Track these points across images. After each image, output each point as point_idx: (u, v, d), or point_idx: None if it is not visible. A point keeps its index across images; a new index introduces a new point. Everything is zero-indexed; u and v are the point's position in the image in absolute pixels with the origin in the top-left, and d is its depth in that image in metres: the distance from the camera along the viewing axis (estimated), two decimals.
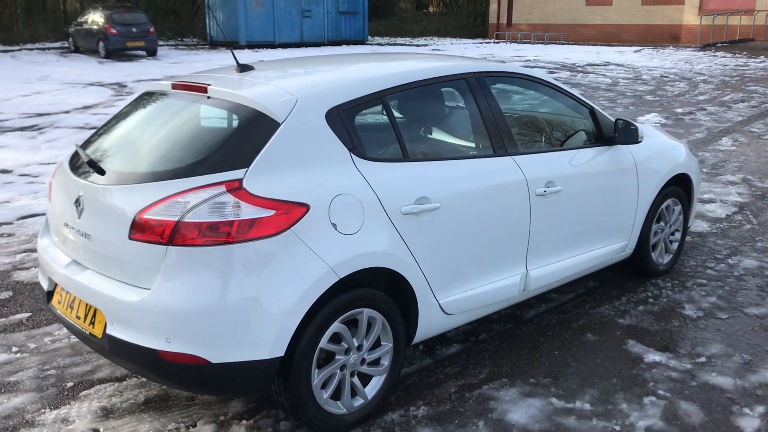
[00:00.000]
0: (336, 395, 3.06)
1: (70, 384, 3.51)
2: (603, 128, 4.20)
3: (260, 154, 2.82)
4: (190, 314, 2.66)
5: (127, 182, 2.89)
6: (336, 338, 2.98)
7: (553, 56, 23.09)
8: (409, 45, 31.58)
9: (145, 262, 2.73)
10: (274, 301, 2.71)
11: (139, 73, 18.55)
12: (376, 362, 3.18)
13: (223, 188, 2.72)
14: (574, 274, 4.11)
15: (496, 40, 35.14)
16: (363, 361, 3.11)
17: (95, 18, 24.19)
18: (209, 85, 3.16)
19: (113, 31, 23.21)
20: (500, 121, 3.68)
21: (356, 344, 3.05)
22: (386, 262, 3.03)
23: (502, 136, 3.65)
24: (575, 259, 4.06)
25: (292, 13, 29.79)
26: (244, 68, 3.45)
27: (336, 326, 2.93)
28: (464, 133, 3.88)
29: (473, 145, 3.73)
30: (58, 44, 27.64)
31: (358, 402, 3.12)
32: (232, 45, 28.81)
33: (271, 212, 2.72)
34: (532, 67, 20.00)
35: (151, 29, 24.10)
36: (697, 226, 5.91)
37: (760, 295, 4.49)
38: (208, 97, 3.14)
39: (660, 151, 4.58)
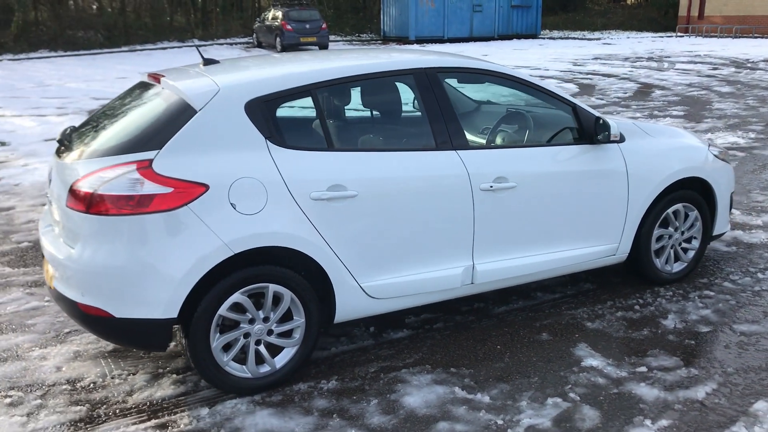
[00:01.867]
0: (244, 360, 3.36)
1: (67, 330, 4.13)
2: (585, 126, 4.10)
3: (173, 138, 3.19)
4: (97, 273, 3.11)
5: (77, 159, 3.40)
6: (240, 308, 3.28)
7: (730, 51, 21.33)
8: (568, 38, 30.52)
9: (75, 227, 3.22)
10: (168, 269, 3.08)
11: None
12: (287, 335, 3.44)
13: (135, 166, 3.13)
14: (541, 272, 4.07)
15: (679, 34, 32.93)
16: (270, 332, 3.38)
17: (275, 15, 26.03)
18: (163, 77, 3.59)
19: (288, 27, 24.89)
20: (448, 116, 3.75)
21: (262, 316, 3.34)
22: (289, 242, 3.28)
23: (448, 131, 3.73)
24: (541, 258, 4.02)
25: (462, 8, 30.02)
26: (208, 63, 3.84)
27: (237, 297, 3.24)
28: (403, 126, 4.00)
29: (412, 138, 3.84)
30: (245, 40, 30.03)
31: (265, 369, 3.40)
32: (402, 40, 29.70)
33: (170, 190, 3.09)
34: (696, 63, 18.69)
35: (323, 25, 25.51)
36: (753, 236, 5.45)
37: (764, 313, 4.14)
38: (163, 88, 3.56)
39: (663, 151, 4.35)
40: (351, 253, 3.47)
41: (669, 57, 20.63)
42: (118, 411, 3.28)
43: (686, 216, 4.56)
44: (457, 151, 3.73)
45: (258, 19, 28.47)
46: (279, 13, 25.64)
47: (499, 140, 4.42)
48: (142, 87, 3.79)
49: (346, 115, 4.09)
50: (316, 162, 3.40)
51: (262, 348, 3.40)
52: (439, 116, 3.73)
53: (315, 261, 3.38)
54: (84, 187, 3.14)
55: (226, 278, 3.21)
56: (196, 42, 29.60)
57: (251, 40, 29.00)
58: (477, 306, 4.34)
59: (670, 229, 4.51)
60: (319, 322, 3.50)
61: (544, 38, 31.19)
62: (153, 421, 3.19)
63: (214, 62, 3.88)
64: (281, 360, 3.46)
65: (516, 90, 4.19)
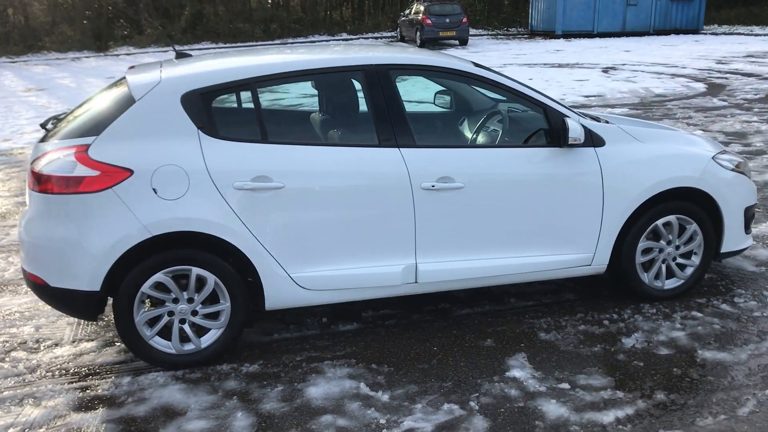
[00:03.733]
0: (170, 336, 3.59)
1: None
2: (554, 128, 3.92)
3: (110, 126, 3.47)
4: (37, 245, 3.46)
5: (42, 142, 3.77)
6: (165, 287, 3.50)
7: None
8: (732, 34, 28.06)
9: (30, 202, 3.59)
10: (91, 245, 3.36)
11: None
12: (214, 317, 3.62)
13: (74, 151, 3.43)
14: (497, 277, 3.95)
15: None
16: (195, 313, 3.58)
17: (417, 9, 26.31)
18: (131, 70, 3.88)
19: (428, 21, 25.06)
20: (395, 113, 3.74)
21: (186, 297, 3.54)
22: (208, 228, 3.45)
23: (393, 128, 3.72)
24: (497, 262, 3.91)
25: (615, 1, 28.66)
26: (180, 56, 4.10)
27: (160, 277, 3.47)
28: (348, 122, 4.01)
29: (354, 134, 3.86)
30: (391, 34, 30.59)
31: (189, 347, 3.61)
32: (549, 34, 28.92)
33: (97, 173, 3.36)
34: None
35: (464, 19, 25.44)
36: None
37: (745, 341, 3.75)
38: (123, 81, 3.86)
39: (649, 158, 4.04)
40: (278, 243, 3.58)
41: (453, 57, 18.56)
42: (57, 372, 3.62)
43: (683, 229, 4.20)
44: (401, 149, 3.71)
45: (402, 13, 28.89)
46: (421, 7, 25.86)
47: (481, 140, 4.32)
48: (120, 80, 4.10)
49: (290, 109, 4.18)
50: (244, 153, 3.53)
51: (186, 327, 3.59)
52: (385, 114, 3.73)
53: (237, 248, 3.51)
54: (36, 167, 3.49)
55: (149, 258, 3.43)
56: (345, 36, 30.57)
57: (396, 35, 29.48)
58: (442, 306, 4.29)
59: (662, 242, 4.18)
60: (246, 308, 3.64)
61: (705, 34, 29.03)
62: (79, 383, 3.49)
63: (186, 56, 4.11)
64: (207, 340, 3.64)
65: (484, 89, 4.06)
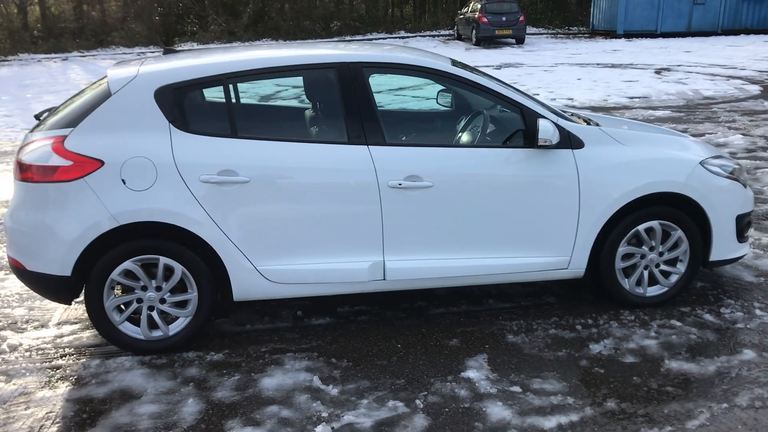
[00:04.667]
0: (140, 323, 3.71)
1: None
2: (530, 128, 3.88)
3: (86, 118, 3.61)
4: (15, 231, 3.64)
5: (32, 132, 3.95)
6: (134, 275, 3.64)
7: None
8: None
9: (14, 190, 3.77)
10: (62, 232, 3.52)
11: (483, 60, 19.78)
12: (182, 305, 3.73)
13: (52, 141, 3.60)
14: (468, 277, 3.93)
15: None
16: (164, 301, 3.69)
17: (474, 7, 26.13)
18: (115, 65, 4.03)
19: (484, 19, 24.85)
20: (366, 111, 3.77)
21: (154, 285, 3.66)
22: (174, 219, 3.56)
23: (363, 126, 3.75)
24: (468, 262, 3.90)
25: (681, 0, 27.77)
26: (167, 52, 4.23)
27: (128, 264, 3.60)
28: (319, 119, 4.04)
29: (324, 131, 3.90)
30: (449, 32, 30.45)
31: (157, 333, 3.73)
32: (610, 34, 28.28)
33: (70, 163, 3.51)
34: None
35: (521, 18, 25.12)
36: None
37: (716, 352, 3.63)
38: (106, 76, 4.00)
39: (629, 162, 3.94)
40: (245, 236, 3.66)
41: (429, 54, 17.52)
42: (35, 352, 3.80)
43: (667, 235, 4.09)
44: (370, 147, 3.73)
45: (460, 11, 28.73)
46: (478, 5, 25.66)
47: (463, 140, 4.31)
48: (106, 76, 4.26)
49: (267, 104, 4.24)
50: (212, 147, 3.62)
51: (155, 314, 3.71)
52: (356, 111, 3.76)
53: (203, 240, 3.61)
54: (20, 156, 3.67)
55: (118, 247, 3.56)
56: (403, 34, 30.60)
57: (453, 33, 29.34)
58: (418, 305, 4.30)
59: (644, 248, 4.08)
60: (213, 298, 3.73)
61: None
62: (52, 363, 3.67)
63: (173, 52, 4.24)
64: (175, 328, 3.75)
65: (460, 89, 4.04)
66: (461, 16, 27.63)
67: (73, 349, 3.83)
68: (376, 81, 4.16)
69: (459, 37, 28.01)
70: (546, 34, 30.01)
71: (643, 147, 4.06)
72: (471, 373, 3.48)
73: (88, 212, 3.50)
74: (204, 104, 3.89)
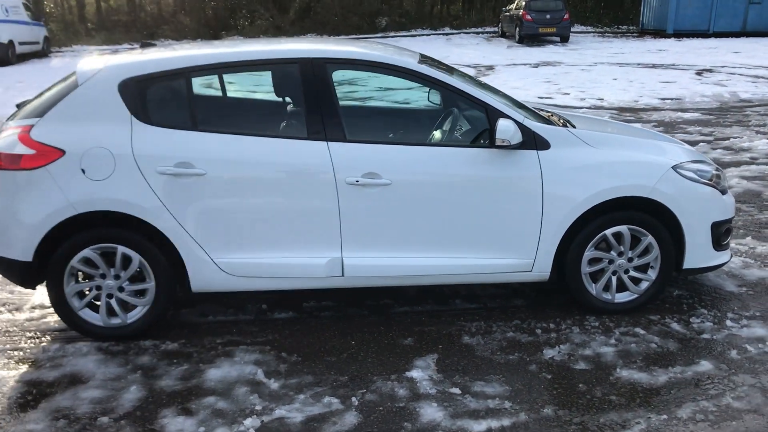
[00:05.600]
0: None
1: None
2: (493, 127, 3.82)
3: (52, 108, 3.71)
4: None
5: (9, 120, 4.08)
6: (93, 263, 3.72)
7: None
8: None
9: None
10: (24, 219, 3.63)
11: (522, 58, 19.56)
12: (141, 294, 3.80)
13: (19, 130, 3.71)
14: (428, 276, 3.89)
15: None
16: (122, 289, 3.77)
17: (519, 4, 25.82)
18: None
19: (528, 17, 24.53)
20: (327, 107, 3.77)
21: (113, 273, 3.74)
22: (130, 209, 3.63)
23: (323, 121, 3.75)
24: (426, 261, 3.86)
25: None
26: (144, 45, 4.31)
27: (87, 252, 3.69)
28: (280, 114, 4.05)
29: (285, 126, 3.92)
30: (493, 29, 30.15)
31: (115, 321, 3.81)
32: (659, 33, 27.60)
33: (33, 152, 3.62)
34: None
35: (566, 16, 24.72)
36: None
37: (671, 362, 3.53)
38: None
39: (596, 165, 3.85)
40: (201, 228, 3.71)
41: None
42: (4, 333, 3.93)
43: (638, 241, 3.98)
44: (329, 143, 3.73)
45: (505, 8, 28.42)
46: (522, 2, 25.35)
47: (435, 138, 4.29)
48: None
49: (225, 98, 4.27)
50: (171, 139, 3.68)
51: (113, 302, 3.79)
52: (316, 107, 3.77)
53: (159, 230, 3.67)
54: None
55: (77, 234, 3.66)
56: (447, 30, 30.44)
57: (497, 30, 29.05)
58: (383, 303, 4.29)
59: (612, 253, 3.99)
60: (170, 288, 3.80)
61: None
62: (15, 345, 3.79)
63: (151, 45, 4.32)
64: (133, 316, 3.83)
65: (425, 86, 4.00)
66: (505, 14, 27.34)
67: (39, 332, 3.94)
68: (380, 80, 4.18)
69: (503, 35, 27.74)
70: (593, 32, 29.45)
71: (612, 150, 3.96)
72: (415, 373, 3.45)
73: (48, 200, 3.59)
74: (167, 97, 3.94)
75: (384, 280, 3.92)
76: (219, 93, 4.31)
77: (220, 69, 3.90)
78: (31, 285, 3.82)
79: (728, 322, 3.93)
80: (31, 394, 3.32)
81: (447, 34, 29.24)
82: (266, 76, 4.15)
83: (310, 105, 3.77)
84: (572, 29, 27.25)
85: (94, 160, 3.60)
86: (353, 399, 3.25)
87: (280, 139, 3.76)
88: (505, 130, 3.66)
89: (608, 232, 3.93)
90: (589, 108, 11.46)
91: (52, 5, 32.68)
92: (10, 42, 20.01)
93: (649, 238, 3.96)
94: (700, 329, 3.88)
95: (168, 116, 3.79)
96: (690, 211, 3.94)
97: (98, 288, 3.77)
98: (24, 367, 3.56)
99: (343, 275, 3.84)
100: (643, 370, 3.47)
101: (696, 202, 3.96)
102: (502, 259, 3.91)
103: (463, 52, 22.04)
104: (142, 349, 3.75)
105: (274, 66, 3.98)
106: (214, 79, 4.20)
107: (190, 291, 3.85)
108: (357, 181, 3.70)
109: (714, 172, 4.10)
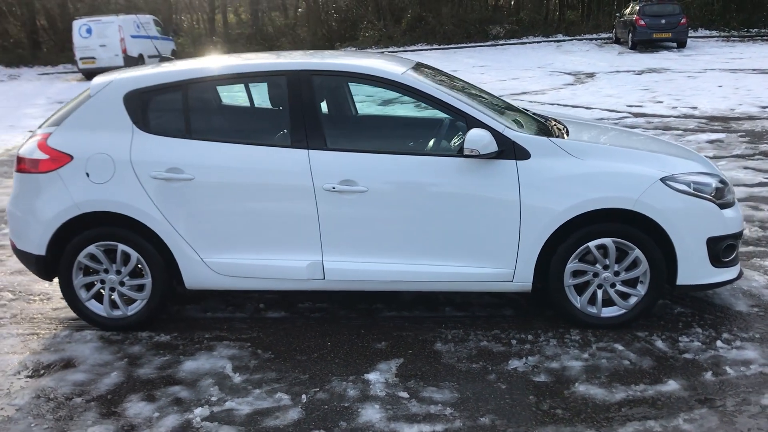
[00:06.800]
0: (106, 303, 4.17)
1: None
2: None
3: (68, 118, 4.13)
4: (10, 214, 4.23)
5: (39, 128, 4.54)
6: (98, 259, 4.10)
7: None
8: None
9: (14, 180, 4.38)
10: (38, 217, 4.05)
11: (629, 65, 18.93)
12: (139, 289, 4.14)
13: (40, 137, 4.15)
14: (409, 282, 3.96)
15: None
16: (123, 284, 4.12)
17: (633, 9, 24.91)
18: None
19: (641, 22, 23.62)
20: (310, 117, 3.95)
21: (115, 269, 4.10)
22: (126, 211, 3.96)
23: (306, 130, 3.94)
24: (406, 267, 3.94)
25: None
26: (163, 60, 4.66)
27: (92, 249, 4.06)
28: (268, 123, 4.24)
29: (271, 135, 4.12)
30: (608, 35, 29.21)
31: (117, 313, 4.16)
32: None
33: (47, 157, 4.04)
34: None
35: (683, 20, 23.59)
36: None
37: (637, 381, 3.42)
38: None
39: (576, 176, 3.77)
40: (191, 229, 3.98)
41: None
42: (31, 319, 4.38)
43: (624, 254, 3.87)
44: (310, 151, 3.91)
45: (619, 14, 27.47)
46: (637, 7, 24.43)
47: (422, 147, 4.36)
48: None
49: (219, 108, 4.51)
50: (165, 146, 3.98)
51: (115, 295, 4.14)
52: (300, 116, 3.95)
53: (153, 230, 3.98)
54: (19, 149, 4.26)
55: (83, 232, 4.04)
56: (559, 37, 29.81)
57: (611, 36, 28.13)
58: (375, 307, 4.39)
59: (597, 266, 3.90)
60: (166, 284, 4.10)
61: None
62: (36, 330, 4.21)
63: (169, 59, 4.66)
64: (133, 309, 4.16)
65: (410, 98, 4.08)
66: (619, 19, 26.44)
67: (58, 321, 4.35)
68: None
69: (617, 41, 26.82)
70: (717, 36, 27.83)
71: (597, 160, 3.87)
72: (373, 376, 3.54)
73: (58, 200, 3.99)
74: (165, 107, 4.23)
75: (364, 285, 4.03)
76: (213, 103, 4.58)
77: (215, 81, 4.17)
78: (47, 277, 4.24)
79: (719, 343, 3.73)
80: (25, 374, 3.69)
81: (559, 41, 28.63)
82: (262, 87, 4.37)
83: (294, 115, 3.95)
84: (693, 34, 25.96)
85: (97, 165, 3.96)
86: (303, 396, 3.38)
87: (264, 147, 3.97)
88: (477, 139, 3.68)
89: (591, 244, 3.84)
90: (678, 117, 10.96)
91: (186, 21, 35.04)
92: (140, 56, 21.66)
93: (636, 252, 3.83)
94: (684, 348, 3.71)
95: (164, 125, 4.10)
96: (681, 225, 3.78)
97: (102, 282, 4.12)
98: (31, 351, 3.96)
99: (324, 278, 3.99)
100: (603, 386, 3.38)
101: (688, 216, 3.80)
102: (481, 268, 3.91)
103: (568, 59, 21.59)
104: (137, 339, 4.06)
105: (265, 78, 4.20)
106: (211, 91, 4.46)
107: (183, 288, 4.13)
108: (333, 188, 3.84)
109: (715, 185, 3.91)
